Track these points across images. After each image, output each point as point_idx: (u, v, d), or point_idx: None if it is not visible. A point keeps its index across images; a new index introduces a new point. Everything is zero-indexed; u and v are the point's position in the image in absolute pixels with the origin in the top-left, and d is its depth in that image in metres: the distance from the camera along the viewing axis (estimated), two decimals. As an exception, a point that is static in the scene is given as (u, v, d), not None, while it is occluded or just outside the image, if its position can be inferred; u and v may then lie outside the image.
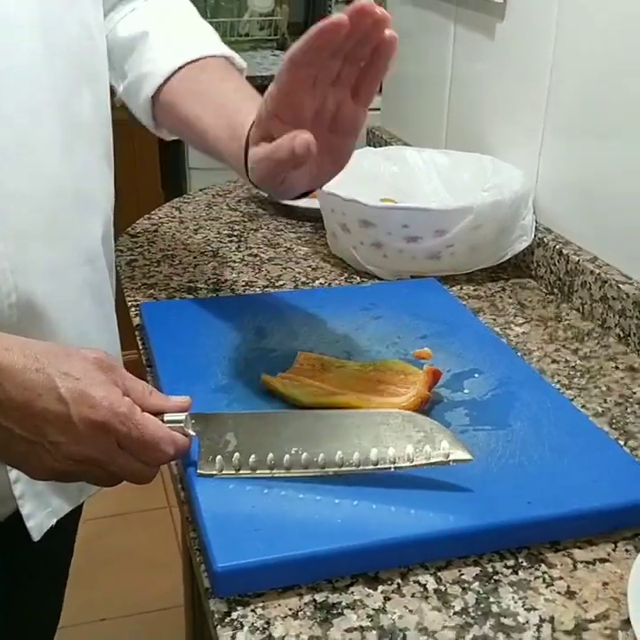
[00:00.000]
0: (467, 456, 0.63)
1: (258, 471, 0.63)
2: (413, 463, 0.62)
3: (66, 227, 0.72)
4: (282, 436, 0.64)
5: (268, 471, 0.63)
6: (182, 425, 0.63)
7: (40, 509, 0.77)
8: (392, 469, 0.63)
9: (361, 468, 0.63)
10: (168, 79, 0.85)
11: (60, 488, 0.79)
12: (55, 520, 0.79)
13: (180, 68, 0.85)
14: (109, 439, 0.57)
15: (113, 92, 0.87)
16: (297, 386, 0.74)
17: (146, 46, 0.87)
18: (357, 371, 0.76)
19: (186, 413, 0.64)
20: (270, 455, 0.64)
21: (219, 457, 0.64)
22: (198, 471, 0.64)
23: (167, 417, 0.62)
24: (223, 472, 0.64)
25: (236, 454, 0.64)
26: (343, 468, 0.63)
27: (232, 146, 0.76)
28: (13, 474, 0.74)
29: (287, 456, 0.63)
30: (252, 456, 0.64)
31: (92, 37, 0.76)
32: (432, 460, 0.62)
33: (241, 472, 0.63)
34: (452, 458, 0.62)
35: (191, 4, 0.94)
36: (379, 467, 0.63)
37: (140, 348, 0.88)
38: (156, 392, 0.63)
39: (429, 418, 0.65)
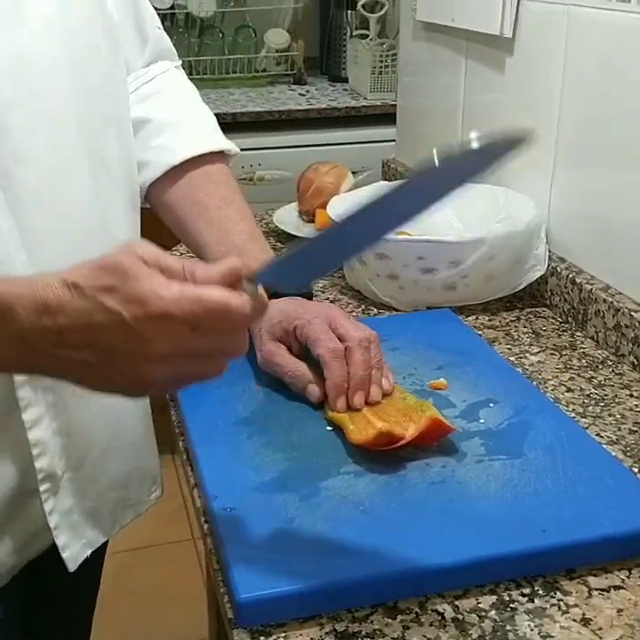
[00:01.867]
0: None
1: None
2: None
3: None
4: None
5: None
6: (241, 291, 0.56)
7: (75, 541, 0.79)
8: None
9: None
10: (170, 172, 0.90)
11: (93, 519, 0.81)
12: (90, 551, 0.81)
13: (184, 163, 0.90)
14: (178, 327, 0.53)
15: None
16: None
17: (149, 134, 0.91)
18: (411, 404, 0.77)
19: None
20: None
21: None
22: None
23: None
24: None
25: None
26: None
27: None
28: (48, 505, 0.75)
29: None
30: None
31: (114, 84, 0.79)
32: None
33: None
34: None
35: (191, 86, 0.98)
36: None
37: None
38: (199, 265, 0.56)
39: None
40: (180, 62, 0.99)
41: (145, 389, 0.59)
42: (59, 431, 0.74)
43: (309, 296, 0.91)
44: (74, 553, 0.79)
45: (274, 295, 0.83)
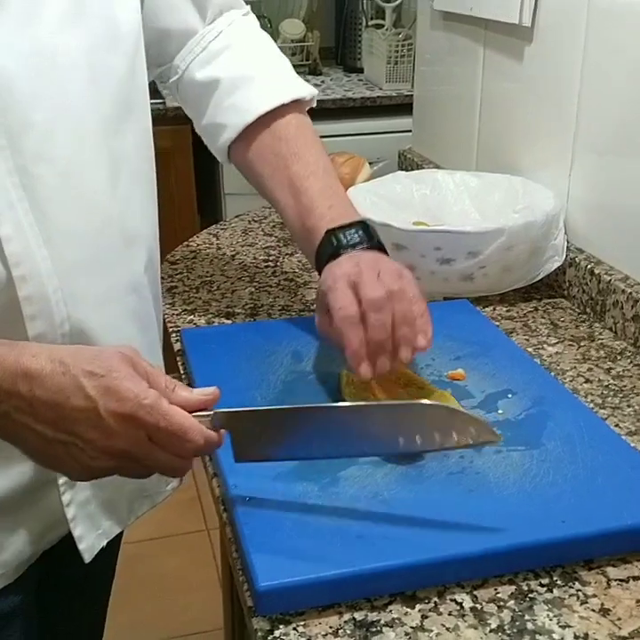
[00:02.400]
0: (495, 437, 0.62)
1: (289, 458, 0.65)
2: (443, 446, 0.63)
3: (112, 259, 0.75)
4: (311, 428, 0.65)
5: (300, 456, 0.65)
6: (209, 420, 0.62)
7: (91, 531, 0.79)
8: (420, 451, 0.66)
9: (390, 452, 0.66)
10: (244, 132, 0.92)
11: (110, 510, 0.82)
12: (106, 542, 0.82)
13: (256, 121, 0.91)
14: (139, 431, 0.59)
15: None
16: (359, 397, 0.77)
17: (221, 94, 0.93)
18: (430, 395, 0.78)
19: (211, 411, 0.63)
20: (299, 446, 0.64)
21: (251, 447, 0.65)
22: (236, 461, 0.65)
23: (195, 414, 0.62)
24: (258, 460, 0.65)
25: (267, 445, 0.64)
26: (372, 455, 0.66)
27: (305, 247, 0.90)
28: (66, 497, 0.76)
29: (316, 447, 0.64)
30: (281, 447, 0.64)
31: (134, 73, 0.79)
32: (461, 444, 0.62)
33: (272, 458, 0.65)
34: (480, 440, 0.62)
35: (260, 32, 0.98)
36: (406, 449, 0.64)
37: (182, 372, 0.91)
38: (180, 386, 0.63)
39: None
40: (249, 7, 0.99)
41: (89, 475, 0.62)
42: None
43: (380, 248, 0.86)
44: (90, 544, 0.79)
45: (336, 249, 0.83)
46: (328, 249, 0.84)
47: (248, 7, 0.98)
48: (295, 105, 0.93)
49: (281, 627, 0.58)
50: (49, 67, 0.68)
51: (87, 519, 0.79)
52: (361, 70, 2.78)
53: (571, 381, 0.89)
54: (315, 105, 0.97)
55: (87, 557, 0.79)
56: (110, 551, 0.86)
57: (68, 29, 0.70)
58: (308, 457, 0.65)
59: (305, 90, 0.95)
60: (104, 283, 0.74)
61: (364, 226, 0.86)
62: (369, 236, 0.85)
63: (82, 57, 0.71)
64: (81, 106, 0.71)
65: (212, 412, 0.63)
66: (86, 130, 0.72)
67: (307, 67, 2.78)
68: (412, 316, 0.76)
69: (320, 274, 0.85)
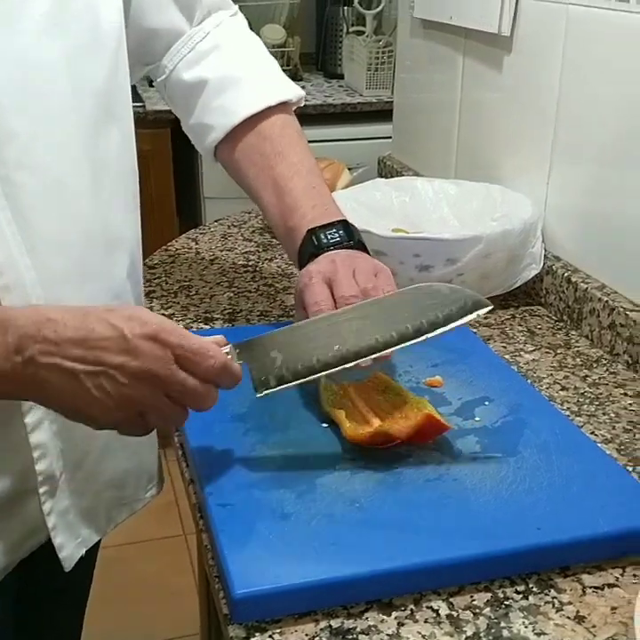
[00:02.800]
0: (486, 304, 0.70)
1: (309, 376, 0.68)
2: (446, 328, 0.69)
3: (95, 265, 0.75)
4: (320, 340, 0.68)
5: (319, 373, 0.68)
6: (228, 354, 0.66)
7: (71, 540, 0.79)
8: (429, 335, 0.70)
9: (400, 344, 0.70)
10: (231, 133, 0.93)
11: (88, 519, 0.81)
12: (85, 550, 0.81)
13: (242, 122, 0.92)
14: (165, 351, 0.61)
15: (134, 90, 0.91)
16: (337, 403, 0.77)
17: (208, 95, 0.93)
18: (407, 401, 0.77)
19: (229, 345, 0.67)
20: (315, 359, 0.68)
21: (270, 374, 0.68)
22: (257, 394, 0.68)
23: None
24: (279, 387, 0.68)
25: (285, 367, 0.68)
26: (388, 350, 0.69)
27: (288, 247, 0.91)
28: (46, 506, 0.75)
29: (331, 354, 0.68)
30: (300, 364, 0.68)
31: (116, 77, 0.78)
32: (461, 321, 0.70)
33: (294, 382, 0.68)
34: (477, 312, 0.69)
35: (248, 33, 0.98)
36: (418, 339, 0.70)
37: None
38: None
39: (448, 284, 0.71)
40: (237, 7, 0.99)
41: (120, 410, 0.62)
42: (58, 433, 0.74)
43: (360, 247, 0.88)
44: (69, 552, 0.79)
45: (317, 248, 0.85)
46: (309, 248, 0.85)
47: (236, 7, 0.99)
48: (282, 106, 0.94)
49: (257, 634, 0.57)
50: (30, 74, 0.68)
51: (67, 528, 0.78)
52: (341, 76, 2.79)
53: (547, 388, 0.89)
54: (302, 105, 0.98)
55: (67, 566, 0.79)
56: (88, 558, 0.86)
57: (50, 35, 0.69)
58: (323, 368, 0.68)
59: (292, 92, 0.95)
60: (87, 290, 0.74)
61: (345, 225, 0.87)
62: (349, 234, 0.86)
63: (63, 64, 0.71)
64: (62, 113, 0.71)
65: (229, 346, 0.66)
66: (68, 136, 0.71)
67: (287, 72, 2.77)
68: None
69: None
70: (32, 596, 0.88)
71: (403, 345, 0.69)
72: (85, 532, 0.81)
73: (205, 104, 0.93)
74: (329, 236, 0.85)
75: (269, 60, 0.98)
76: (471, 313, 0.69)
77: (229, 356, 0.65)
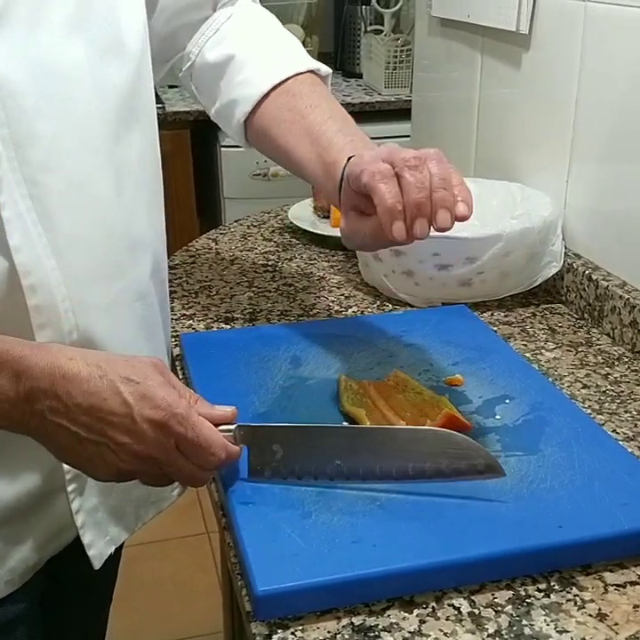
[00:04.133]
0: (500, 472, 0.66)
1: (303, 479, 0.68)
2: (448, 481, 0.66)
3: (118, 266, 0.76)
4: (325, 449, 0.68)
5: (312, 480, 0.67)
6: (232, 434, 0.66)
7: (100, 538, 0.80)
8: (428, 481, 0.67)
9: (399, 481, 0.67)
10: (259, 103, 0.89)
11: (117, 517, 0.82)
12: (113, 548, 0.82)
13: (270, 91, 0.89)
14: (169, 439, 0.62)
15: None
16: (357, 402, 0.77)
17: (233, 70, 0.91)
18: (427, 400, 0.78)
19: (234, 425, 0.67)
20: (314, 466, 0.67)
21: (266, 466, 0.68)
22: (249, 478, 0.68)
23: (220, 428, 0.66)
24: (271, 479, 0.68)
25: (283, 464, 0.68)
26: (382, 482, 0.67)
27: (327, 185, 0.82)
28: (75, 504, 0.76)
29: (329, 467, 0.67)
30: (297, 465, 0.68)
31: (139, 80, 0.78)
32: (467, 477, 0.66)
33: (288, 480, 0.68)
34: (486, 474, 0.66)
35: (270, 15, 0.98)
36: (415, 480, 0.67)
37: (180, 377, 0.91)
38: (202, 400, 0.66)
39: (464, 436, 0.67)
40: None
41: (114, 476, 0.64)
42: None
43: None
44: (99, 550, 0.80)
45: None
46: None
47: None
48: (309, 74, 0.91)
49: (279, 631, 0.58)
50: (54, 77, 0.68)
51: (96, 526, 0.79)
52: (360, 75, 2.79)
53: (568, 387, 0.89)
54: (329, 84, 0.95)
55: (96, 564, 0.80)
56: (113, 557, 0.87)
57: (72, 38, 0.70)
58: (318, 477, 0.68)
59: (319, 64, 0.93)
60: (111, 290, 0.75)
61: None
62: None
63: (86, 67, 0.71)
64: (85, 115, 0.71)
65: (234, 426, 0.67)
66: (91, 139, 0.72)
67: (306, 71, 2.78)
68: (451, 178, 0.69)
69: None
70: (58, 596, 0.89)
71: (400, 482, 0.67)
72: (114, 531, 0.82)
73: (231, 79, 0.91)
74: None
75: (293, 38, 0.96)
76: (481, 475, 0.66)
77: (232, 435, 0.66)
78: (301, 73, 0.90)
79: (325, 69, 0.94)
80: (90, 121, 0.72)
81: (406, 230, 0.68)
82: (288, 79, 0.89)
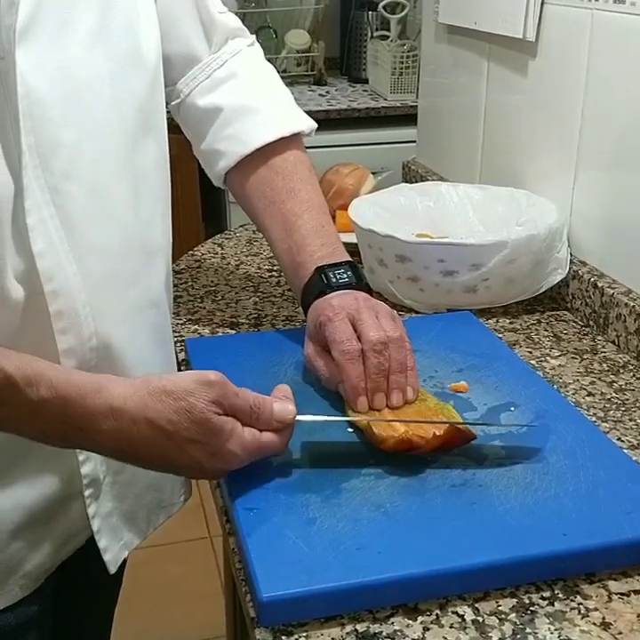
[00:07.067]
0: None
1: None
2: None
3: (134, 274, 0.77)
4: None
5: None
6: None
7: (115, 543, 0.81)
8: None
9: None
10: (242, 161, 0.93)
11: (130, 522, 0.83)
12: (127, 553, 0.83)
13: (254, 152, 0.93)
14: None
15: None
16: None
17: (221, 123, 0.94)
18: (432, 407, 0.78)
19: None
20: None
21: None
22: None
23: None
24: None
25: None
26: None
27: (293, 280, 0.92)
28: (91, 509, 0.77)
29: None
30: None
31: (154, 92, 0.80)
32: None
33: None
34: None
35: (265, 64, 0.99)
36: None
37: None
38: (264, 413, 0.68)
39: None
40: (254, 38, 1.00)
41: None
42: None
43: (367, 290, 0.88)
44: (114, 555, 0.80)
45: (325, 287, 0.85)
46: (317, 286, 0.86)
47: (253, 37, 1.00)
48: (294, 138, 0.95)
49: (283, 638, 0.58)
50: (76, 87, 0.69)
51: (110, 531, 0.80)
52: (366, 81, 2.80)
53: (573, 394, 0.89)
54: (313, 136, 0.98)
55: (112, 569, 0.80)
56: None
57: (94, 50, 0.71)
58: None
59: (304, 123, 0.96)
60: (128, 297, 0.76)
61: (352, 266, 0.88)
62: (357, 276, 0.88)
63: (107, 78, 0.72)
64: (105, 126, 0.72)
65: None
66: (110, 148, 0.73)
67: (312, 77, 2.79)
68: (406, 365, 0.79)
69: (305, 310, 0.87)
70: (67, 598, 0.90)
71: None
72: (128, 535, 0.83)
73: (218, 131, 0.94)
74: (338, 276, 0.86)
75: (284, 90, 0.99)
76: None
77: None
78: (285, 137, 0.93)
79: (309, 125, 0.97)
80: (109, 130, 0.73)
81: (368, 404, 0.78)
82: (274, 143, 0.93)
